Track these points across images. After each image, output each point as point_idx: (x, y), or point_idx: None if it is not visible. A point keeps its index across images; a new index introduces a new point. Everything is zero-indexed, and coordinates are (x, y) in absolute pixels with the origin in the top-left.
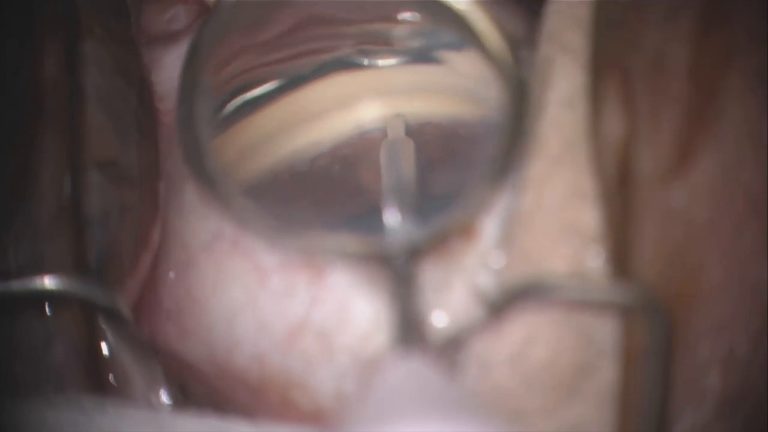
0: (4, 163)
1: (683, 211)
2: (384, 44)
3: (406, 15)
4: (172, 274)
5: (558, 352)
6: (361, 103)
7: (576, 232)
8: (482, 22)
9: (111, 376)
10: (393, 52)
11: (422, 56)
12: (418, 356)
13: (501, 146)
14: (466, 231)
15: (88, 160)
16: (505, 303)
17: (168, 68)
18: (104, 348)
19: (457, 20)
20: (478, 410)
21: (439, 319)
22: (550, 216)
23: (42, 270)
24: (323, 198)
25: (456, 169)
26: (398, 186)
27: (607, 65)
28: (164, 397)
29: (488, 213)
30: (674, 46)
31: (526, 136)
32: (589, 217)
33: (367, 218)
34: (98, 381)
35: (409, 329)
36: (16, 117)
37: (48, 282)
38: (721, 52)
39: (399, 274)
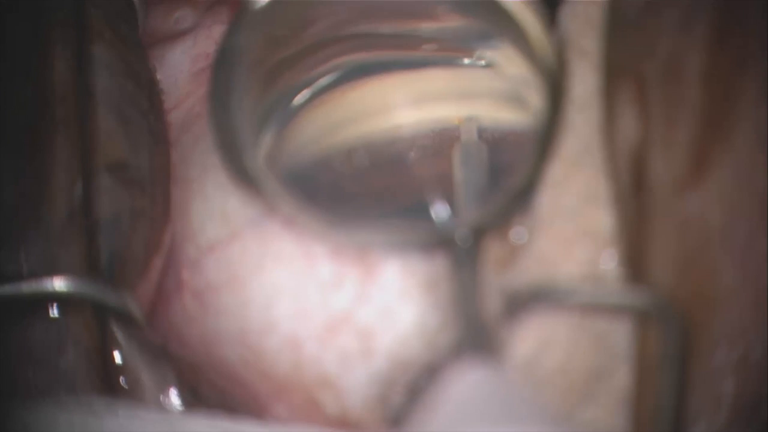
0: (15, 168)
1: (698, 217)
2: (419, 44)
3: (451, 13)
4: (202, 251)
5: (572, 355)
6: (409, 105)
7: (591, 235)
8: (533, 24)
9: (122, 379)
10: (429, 53)
11: (462, 57)
12: (486, 364)
13: (539, 145)
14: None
15: (98, 164)
16: (521, 307)
17: (170, 65)
18: (115, 351)
19: (505, 21)
20: (549, 418)
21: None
22: (566, 218)
23: (54, 273)
24: (376, 191)
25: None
26: (471, 186)
27: (621, 70)
28: (175, 400)
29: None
30: (689, 52)
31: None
32: (604, 220)
33: (417, 210)
34: (110, 383)
35: (475, 323)
36: (27, 122)
37: (59, 284)
38: (736, 58)
39: (463, 260)
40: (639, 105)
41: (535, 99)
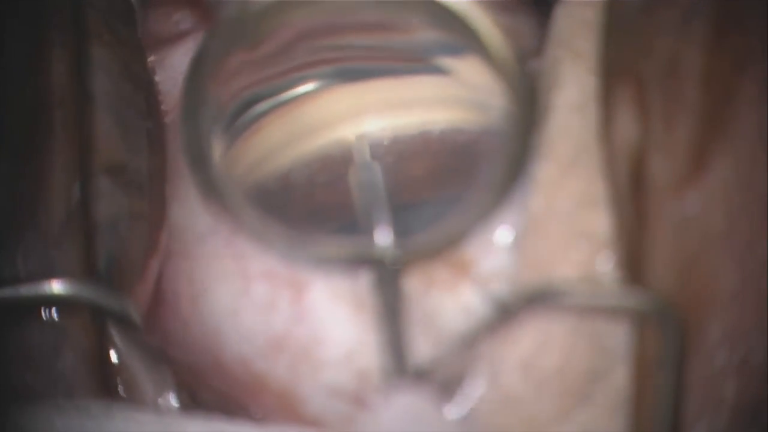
0: (13, 171)
1: (697, 219)
2: (386, 54)
3: (407, 22)
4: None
5: (570, 358)
6: (362, 116)
7: (587, 237)
8: (484, 26)
9: (120, 382)
10: (396, 62)
11: (425, 66)
12: (412, 390)
13: (506, 156)
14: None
15: (97, 166)
16: (517, 308)
17: (170, 68)
18: (113, 354)
19: (459, 24)
20: None
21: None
22: (562, 221)
23: (51, 276)
24: (316, 209)
25: (457, 181)
26: (372, 206)
27: (619, 70)
28: (173, 403)
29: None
30: (687, 52)
31: (531, 146)
32: (600, 222)
33: (357, 229)
34: (107, 387)
35: (398, 345)
36: (25, 124)
37: (57, 287)
38: (735, 58)
39: (386, 281)
40: (637, 106)
41: (500, 105)
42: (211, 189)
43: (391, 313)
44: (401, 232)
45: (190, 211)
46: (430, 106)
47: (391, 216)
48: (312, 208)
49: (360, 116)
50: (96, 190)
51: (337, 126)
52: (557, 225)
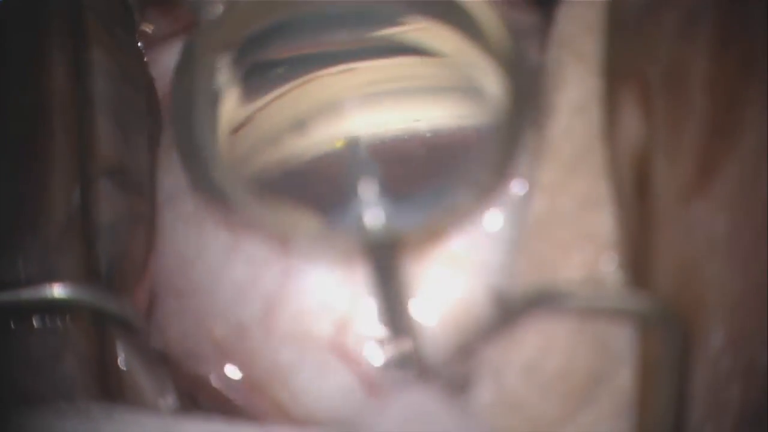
0: (13, 175)
1: (702, 224)
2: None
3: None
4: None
5: (573, 360)
6: (354, 103)
7: (590, 239)
8: (482, 11)
9: (121, 385)
10: (386, 45)
11: (415, 48)
12: (419, 386)
13: (499, 142)
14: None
15: (97, 169)
16: (520, 310)
17: (167, 68)
18: (114, 356)
19: (456, 11)
20: None
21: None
22: (564, 223)
23: (52, 280)
24: (310, 195)
25: (448, 170)
26: (363, 190)
27: (622, 72)
28: (173, 405)
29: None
30: (692, 56)
31: (526, 131)
32: (603, 224)
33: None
34: (109, 390)
35: (397, 323)
36: (25, 128)
37: (58, 291)
38: (740, 63)
39: (381, 266)
40: (642, 108)
41: (494, 92)
42: (206, 184)
43: (388, 290)
44: (393, 218)
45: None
46: (422, 93)
47: (382, 200)
48: (306, 194)
49: (349, 102)
50: (97, 193)
51: (327, 113)
52: (560, 226)
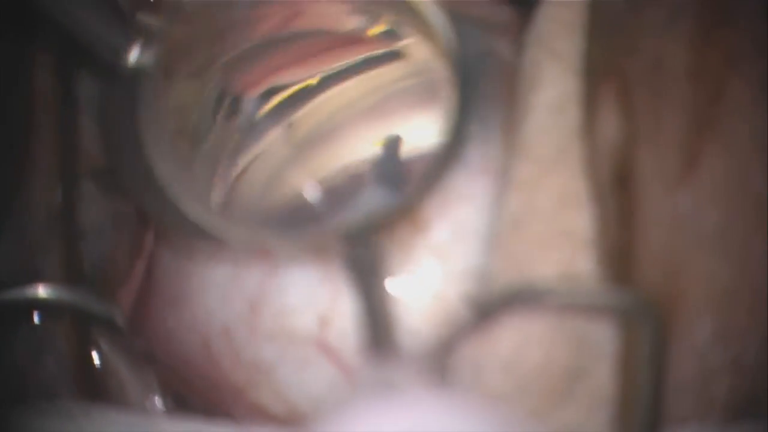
0: None
1: (689, 216)
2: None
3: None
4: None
5: (551, 356)
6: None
7: (568, 236)
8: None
9: (105, 386)
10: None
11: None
12: (391, 364)
13: (446, 124)
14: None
15: (81, 170)
16: (497, 307)
17: None
18: (96, 358)
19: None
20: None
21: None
22: (542, 220)
23: (33, 280)
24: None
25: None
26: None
27: (602, 70)
28: (159, 405)
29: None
30: (674, 49)
31: (469, 115)
32: (581, 221)
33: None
34: (91, 390)
35: (377, 322)
36: (6, 128)
37: (40, 291)
38: (725, 56)
39: (360, 259)
40: (621, 104)
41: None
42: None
43: (368, 285)
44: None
45: None
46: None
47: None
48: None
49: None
50: (80, 194)
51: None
52: (537, 224)
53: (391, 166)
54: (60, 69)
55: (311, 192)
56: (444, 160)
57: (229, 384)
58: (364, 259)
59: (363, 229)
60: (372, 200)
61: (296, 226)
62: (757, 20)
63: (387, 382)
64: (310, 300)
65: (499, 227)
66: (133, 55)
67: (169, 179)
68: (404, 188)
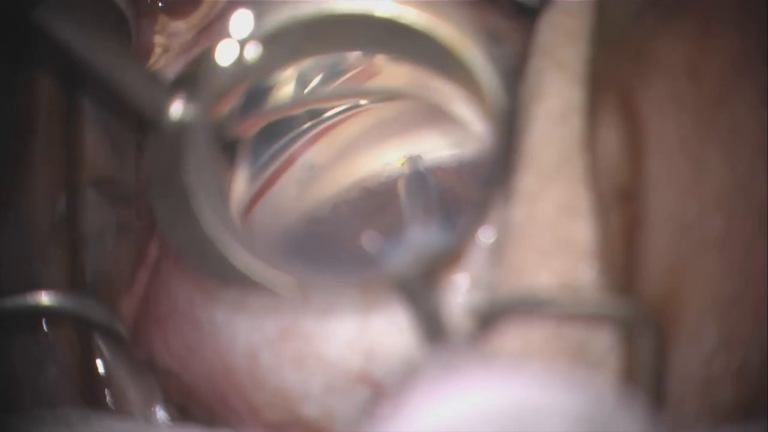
0: None
1: (696, 224)
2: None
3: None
4: None
5: (551, 366)
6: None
7: (569, 246)
8: (480, 62)
9: (107, 395)
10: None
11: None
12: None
13: (491, 166)
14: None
15: (84, 179)
16: (497, 317)
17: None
18: (99, 366)
19: (448, 60)
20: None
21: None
22: (543, 230)
23: (35, 288)
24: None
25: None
26: (419, 215)
27: (606, 79)
28: (161, 416)
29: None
30: (678, 54)
31: (514, 158)
32: (582, 231)
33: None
34: (93, 399)
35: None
36: (9, 134)
37: (42, 299)
38: (731, 60)
39: (416, 296)
40: (626, 113)
41: (482, 132)
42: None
43: (428, 320)
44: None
45: None
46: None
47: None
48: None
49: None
50: (83, 202)
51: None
52: (539, 233)
53: (420, 185)
54: (64, 77)
55: (369, 241)
56: (489, 200)
57: (246, 403)
58: (421, 300)
59: (419, 275)
60: (417, 234)
61: (324, 256)
62: (761, 24)
63: (449, 365)
64: (348, 330)
65: (500, 236)
66: (176, 109)
67: (219, 233)
68: (444, 219)
